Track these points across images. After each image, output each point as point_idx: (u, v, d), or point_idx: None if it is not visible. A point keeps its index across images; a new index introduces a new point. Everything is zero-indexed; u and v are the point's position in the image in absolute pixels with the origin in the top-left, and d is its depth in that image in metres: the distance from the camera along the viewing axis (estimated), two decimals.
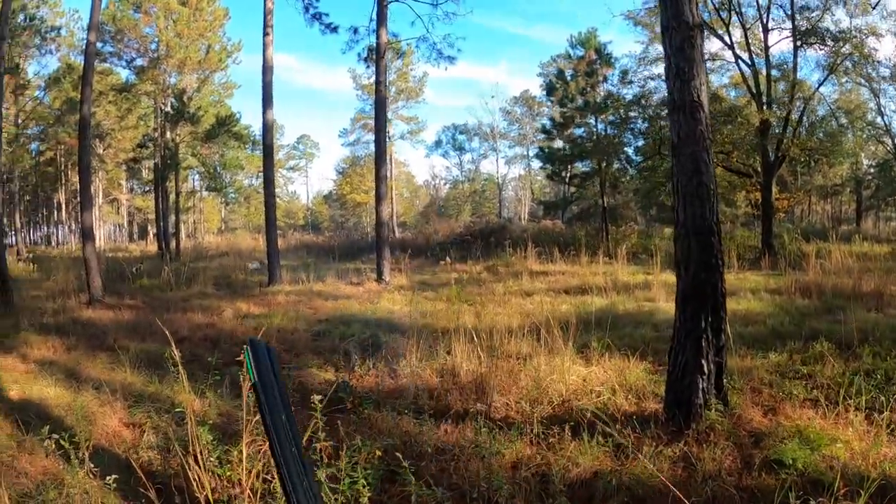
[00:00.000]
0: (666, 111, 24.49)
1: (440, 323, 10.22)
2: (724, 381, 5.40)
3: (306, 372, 7.41)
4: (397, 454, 4.09)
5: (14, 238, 36.88)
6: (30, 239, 49.80)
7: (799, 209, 32.57)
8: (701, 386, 5.10)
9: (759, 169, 20.58)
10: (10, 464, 4.89)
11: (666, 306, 10.72)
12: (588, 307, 11.08)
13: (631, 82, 27.63)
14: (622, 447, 4.66)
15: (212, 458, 4.32)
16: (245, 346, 2.10)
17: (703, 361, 5.11)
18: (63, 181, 41.78)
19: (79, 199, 15.42)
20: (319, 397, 4.22)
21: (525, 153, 65.02)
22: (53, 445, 4.50)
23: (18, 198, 38.67)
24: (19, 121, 33.26)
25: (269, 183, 18.40)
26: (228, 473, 4.23)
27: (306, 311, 12.39)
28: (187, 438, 4.56)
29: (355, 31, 20.16)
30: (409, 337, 8.88)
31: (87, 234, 14.66)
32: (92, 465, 4.17)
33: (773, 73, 21.44)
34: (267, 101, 17.86)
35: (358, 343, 8.64)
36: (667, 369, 5.53)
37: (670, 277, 13.82)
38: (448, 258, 21.25)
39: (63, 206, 44.65)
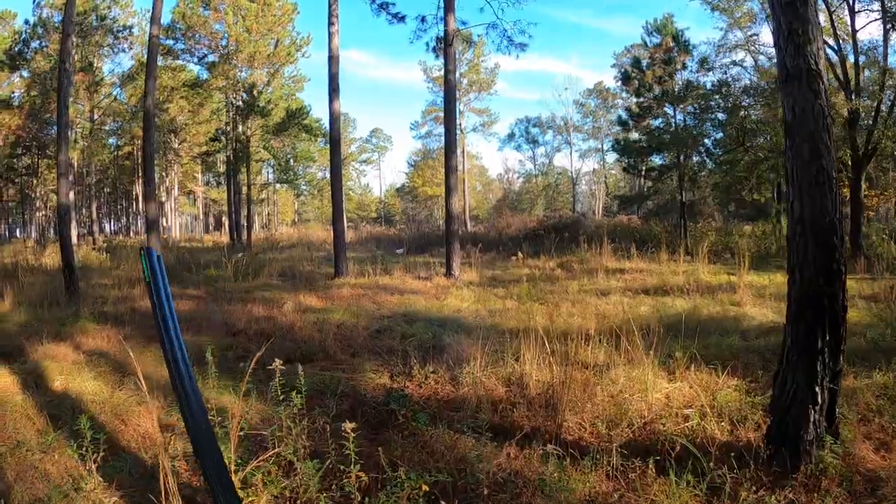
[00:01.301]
0: (748, 100, 23.45)
1: (509, 323, 9.57)
2: (837, 410, 4.50)
3: (360, 376, 6.84)
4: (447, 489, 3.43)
5: (91, 228, 37.98)
6: (110, 229, 51.40)
7: (885, 208, 30.31)
8: (812, 418, 4.25)
9: (849, 163, 19.00)
10: (34, 463, 4.58)
11: (753, 311, 9.88)
12: (669, 310, 10.27)
13: (711, 69, 26.35)
14: (717, 490, 3.88)
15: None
16: (141, 251, 3.03)
17: (817, 389, 4.25)
18: (139, 174, 42.76)
19: (145, 189, 15.22)
20: (353, 426, 3.57)
21: (599, 146, 63.78)
22: (74, 446, 4.20)
23: (96, 190, 39.89)
24: (95, 116, 34.10)
25: (335, 174, 18.01)
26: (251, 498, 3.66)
27: (369, 305, 11.90)
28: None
29: (423, 19, 19.63)
30: (475, 339, 8.27)
31: (150, 225, 14.63)
32: (100, 477, 3.72)
33: (862, 59, 19.80)
34: (333, 91, 17.49)
35: (419, 344, 8.02)
36: (770, 394, 4.69)
37: (756, 279, 13.02)
38: (520, 253, 20.49)
39: (139, 197, 45.70)
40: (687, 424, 5.04)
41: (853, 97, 18.64)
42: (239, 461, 4.02)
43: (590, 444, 4.83)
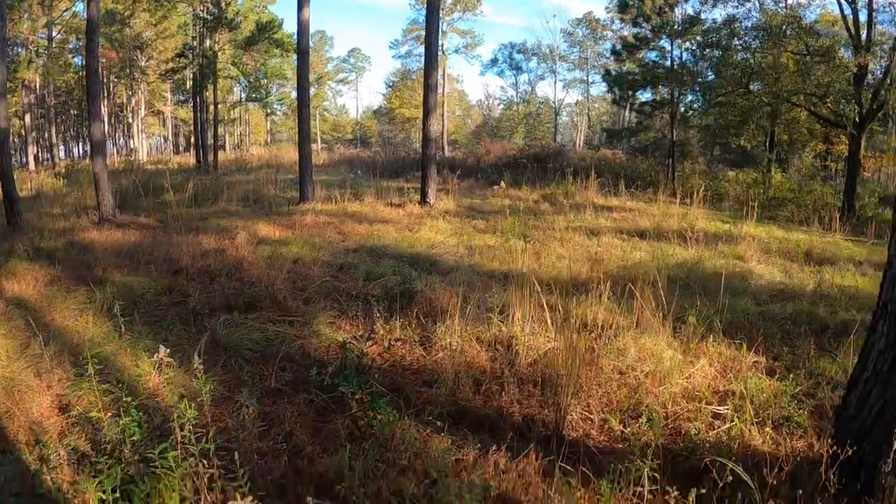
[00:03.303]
0: (755, 41, 22.01)
1: (492, 264, 8.42)
2: None
3: (312, 330, 5.60)
4: None
5: (49, 153, 36.00)
6: (78, 153, 49.02)
7: (874, 172, 29.44)
8: None
9: (855, 119, 17.83)
10: None
11: (760, 269, 8.82)
12: (669, 258, 9.16)
13: (716, 4, 24.71)
14: None
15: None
16: None
17: None
18: (106, 95, 40.44)
19: (89, 107, 13.51)
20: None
21: (585, 78, 61.76)
22: None
23: (56, 113, 37.64)
24: (54, 34, 31.68)
25: (303, 90, 16.35)
26: None
27: (334, 236, 10.62)
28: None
29: None
30: (452, 283, 7.09)
31: (95, 148, 12.99)
32: None
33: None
34: None
35: (385, 291, 6.79)
36: (841, 404, 3.54)
37: (756, 231, 11.91)
38: (503, 183, 19.19)
39: (106, 120, 43.44)
40: (722, 428, 3.90)
41: (864, 53, 17.40)
42: None
43: (601, 446, 3.72)
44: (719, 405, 4.22)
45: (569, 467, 3.26)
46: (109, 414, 3.40)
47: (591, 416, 4.02)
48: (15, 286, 7.23)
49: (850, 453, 3.09)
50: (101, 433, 3.32)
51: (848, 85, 17.69)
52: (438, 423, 3.66)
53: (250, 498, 2.30)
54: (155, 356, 3.09)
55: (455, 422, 3.85)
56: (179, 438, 2.85)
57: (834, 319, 6.30)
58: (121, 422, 3.13)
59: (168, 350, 3.12)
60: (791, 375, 4.73)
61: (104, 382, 4.26)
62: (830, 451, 3.10)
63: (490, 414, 4.02)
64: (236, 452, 2.70)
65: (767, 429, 3.90)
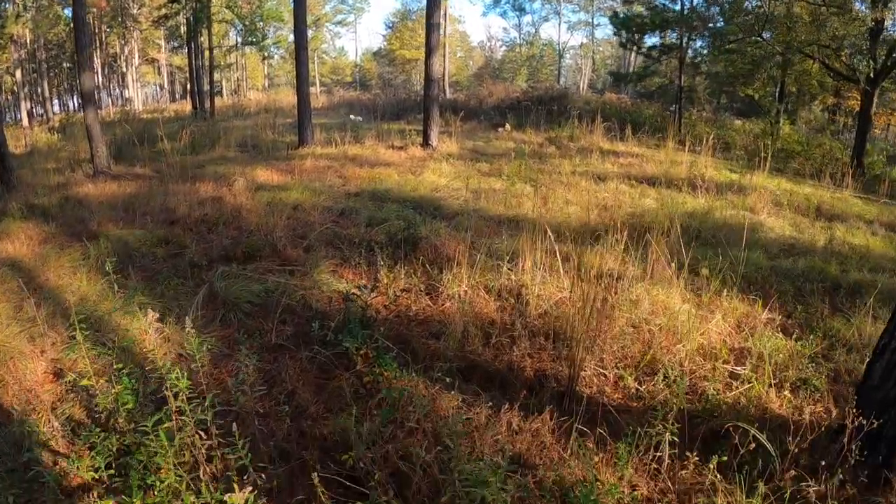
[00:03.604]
0: None
1: (497, 209, 8.18)
2: None
3: (313, 280, 5.39)
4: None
5: (43, 108, 35.35)
6: (73, 106, 48.29)
7: (885, 130, 28.95)
8: None
9: (870, 75, 17.31)
10: None
11: (769, 221, 8.63)
12: (678, 207, 8.92)
13: None
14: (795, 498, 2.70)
15: None
16: None
17: None
18: (98, 45, 39.54)
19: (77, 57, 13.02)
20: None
21: (590, 20, 60.36)
22: None
23: (47, 67, 36.86)
24: None
25: (300, 33, 15.79)
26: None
27: (335, 180, 10.35)
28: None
29: None
30: (457, 229, 6.88)
31: (86, 99, 12.56)
32: None
33: None
34: None
35: (389, 236, 6.57)
36: (864, 374, 3.40)
37: (766, 181, 11.62)
38: (507, 125, 18.78)
39: (99, 70, 42.58)
40: (740, 390, 3.74)
41: (881, 7, 16.84)
42: None
43: (616, 404, 3.56)
44: (736, 364, 4.07)
45: (585, 429, 3.09)
46: (103, 380, 3.22)
47: (606, 372, 3.85)
48: (8, 246, 6.97)
49: (874, 425, 2.94)
50: (95, 401, 3.15)
51: (863, 39, 17.21)
52: (447, 379, 3.49)
53: (249, 489, 2.13)
54: (145, 319, 2.90)
55: (465, 378, 3.69)
56: (174, 409, 2.67)
57: (846, 278, 6.17)
58: (114, 390, 2.96)
59: (157, 314, 2.92)
60: (806, 335, 4.58)
61: (98, 345, 4.09)
62: (855, 423, 2.94)
63: (501, 369, 3.86)
64: (234, 423, 2.52)
65: (786, 392, 3.78)
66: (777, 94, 23.09)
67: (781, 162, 15.57)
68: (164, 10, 32.79)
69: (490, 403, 3.31)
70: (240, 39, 43.15)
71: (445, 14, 46.26)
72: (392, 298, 4.78)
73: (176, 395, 2.72)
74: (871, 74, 16.97)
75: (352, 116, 23.81)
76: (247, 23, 35.18)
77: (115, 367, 3.17)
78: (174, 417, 2.74)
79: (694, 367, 3.96)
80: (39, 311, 4.55)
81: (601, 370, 3.88)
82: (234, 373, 3.67)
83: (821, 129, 25.00)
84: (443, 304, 4.77)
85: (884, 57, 16.83)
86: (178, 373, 2.68)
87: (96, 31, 38.93)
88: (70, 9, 32.69)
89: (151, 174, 11.54)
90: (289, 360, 3.97)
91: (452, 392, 3.42)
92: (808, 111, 27.15)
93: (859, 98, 18.40)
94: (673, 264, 5.17)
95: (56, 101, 44.63)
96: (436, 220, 7.40)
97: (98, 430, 2.84)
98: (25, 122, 30.23)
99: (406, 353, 3.95)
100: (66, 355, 4.15)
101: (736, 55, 22.27)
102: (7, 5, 29.43)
